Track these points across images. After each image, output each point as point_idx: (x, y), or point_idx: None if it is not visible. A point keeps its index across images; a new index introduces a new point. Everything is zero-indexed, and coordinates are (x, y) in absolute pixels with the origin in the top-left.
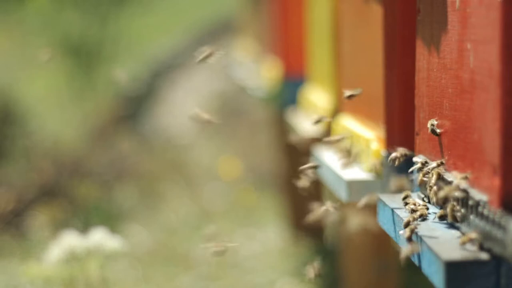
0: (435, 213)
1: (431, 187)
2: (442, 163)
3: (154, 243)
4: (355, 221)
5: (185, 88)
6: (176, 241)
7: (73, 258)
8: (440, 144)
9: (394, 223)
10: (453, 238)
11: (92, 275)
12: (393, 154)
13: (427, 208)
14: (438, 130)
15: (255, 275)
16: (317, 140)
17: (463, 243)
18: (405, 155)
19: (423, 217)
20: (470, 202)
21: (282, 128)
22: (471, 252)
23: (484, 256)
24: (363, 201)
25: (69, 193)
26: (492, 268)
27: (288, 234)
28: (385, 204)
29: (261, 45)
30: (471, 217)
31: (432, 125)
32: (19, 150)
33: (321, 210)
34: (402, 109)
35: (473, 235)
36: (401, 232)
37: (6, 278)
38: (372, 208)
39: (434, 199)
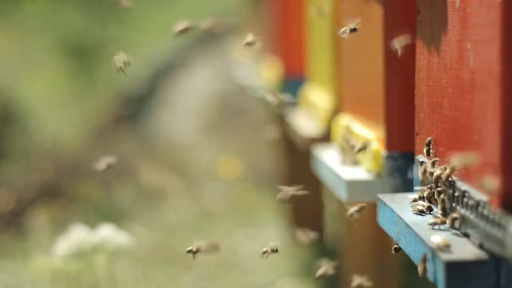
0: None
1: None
2: (454, 169)
3: (154, 243)
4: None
5: (185, 88)
6: (176, 241)
7: (80, 252)
8: (433, 144)
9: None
10: (452, 238)
11: (98, 270)
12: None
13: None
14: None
15: (255, 275)
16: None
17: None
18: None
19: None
20: (470, 202)
21: (282, 128)
22: (471, 252)
23: (484, 256)
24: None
25: (69, 193)
26: (492, 268)
27: (288, 234)
28: (385, 204)
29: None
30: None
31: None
32: (19, 150)
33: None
34: (402, 109)
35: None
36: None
37: (7, 277)
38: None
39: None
